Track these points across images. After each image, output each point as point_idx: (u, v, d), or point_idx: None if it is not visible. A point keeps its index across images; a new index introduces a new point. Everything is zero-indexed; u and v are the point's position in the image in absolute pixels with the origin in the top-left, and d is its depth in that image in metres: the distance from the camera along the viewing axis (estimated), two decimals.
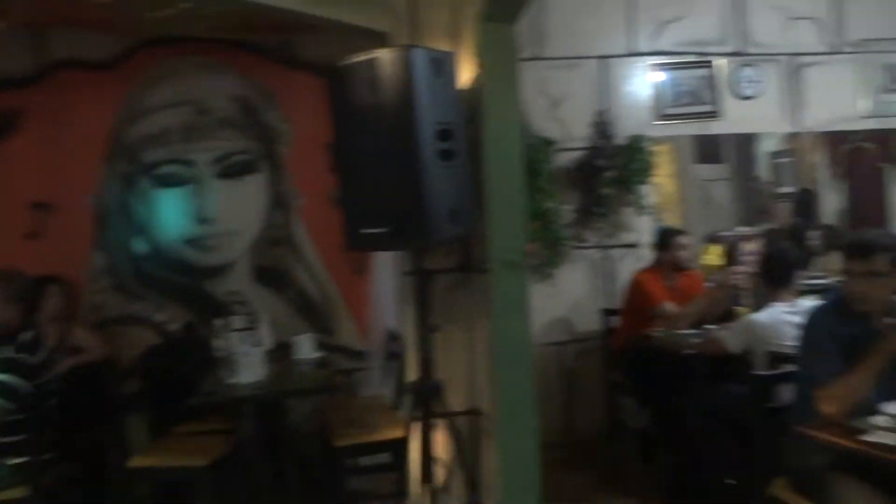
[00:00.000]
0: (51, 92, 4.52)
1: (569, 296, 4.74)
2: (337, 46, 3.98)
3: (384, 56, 2.54)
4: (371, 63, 2.55)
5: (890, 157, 5.62)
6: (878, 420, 2.22)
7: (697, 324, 3.96)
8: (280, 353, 4.12)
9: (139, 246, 4.63)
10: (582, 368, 4.76)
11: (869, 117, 5.12)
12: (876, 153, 5.70)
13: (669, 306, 4.10)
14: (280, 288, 4.69)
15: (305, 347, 4.15)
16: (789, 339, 2.99)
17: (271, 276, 4.69)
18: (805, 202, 6.40)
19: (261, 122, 4.65)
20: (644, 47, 4.75)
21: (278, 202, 4.67)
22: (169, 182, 4.60)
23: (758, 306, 3.64)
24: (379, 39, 3.15)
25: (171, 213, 4.60)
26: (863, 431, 2.17)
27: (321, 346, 4.29)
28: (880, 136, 5.44)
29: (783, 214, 6.97)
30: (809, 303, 3.23)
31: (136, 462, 3.71)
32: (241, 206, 4.64)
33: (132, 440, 4.28)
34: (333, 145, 2.79)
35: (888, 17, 5.08)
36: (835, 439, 2.23)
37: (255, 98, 4.66)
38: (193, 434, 3.98)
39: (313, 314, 4.70)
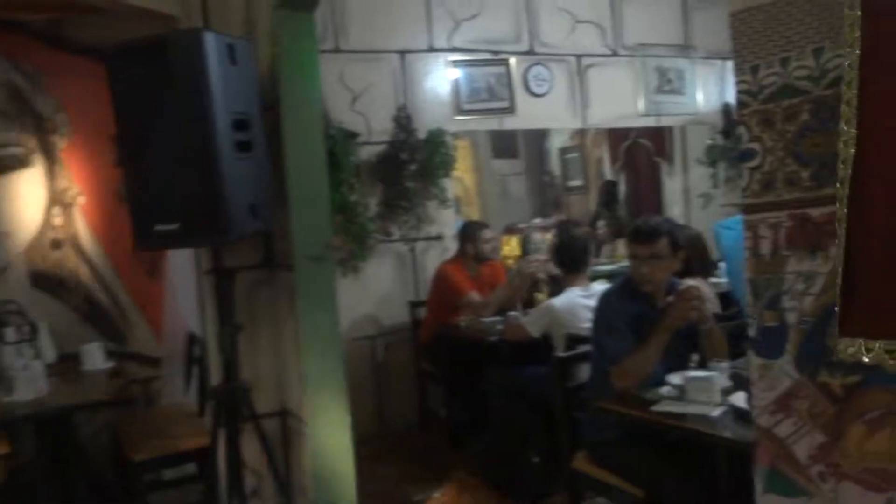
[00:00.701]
0: None
1: (376, 289, 4.74)
2: (116, 29, 3.70)
3: (173, 38, 2.38)
4: (158, 45, 2.37)
5: (663, 152, 6.18)
6: (664, 390, 2.41)
7: (500, 311, 4.12)
8: (65, 365, 3.77)
9: None
10: (392, 361, 4.79)
11: (645, 115, 5.59)
12: (651, 149, 6.25)
13: (474, 296, 4.23)
14: (62, 294, 4.26)
15: (94, 357, 3.83)
16: (585, 322, 3.19)
17: (52, 281, 4.25)
18: (610, 193, 6.90)
19: (32, 111, 4.20)
20: (442, 43, 4.85)
21: (56, 200, 4.24)
22: None
23: (554, 292, 3.85)
24: (165, 23, 2.94)
25: None
26: (652, 402, 2.35)
27: (112, 354, 3.97)
28: (655, 132, 5.96)
29: (575, 206, 7.45)
30: (601, 287, 3.47)
31: None
32: (12, 206, 4.16)
33: None
34: (117, 135, 2.56)
35: (659, 24, 5.57)
36: (627, 411, 2.39)
37: (26, 84, 4.19)
38: None
39: (102, 321, 4.33)
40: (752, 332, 1.14)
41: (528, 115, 5.16)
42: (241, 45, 2.55)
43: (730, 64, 1.17)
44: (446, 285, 4.32)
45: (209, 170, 2.37)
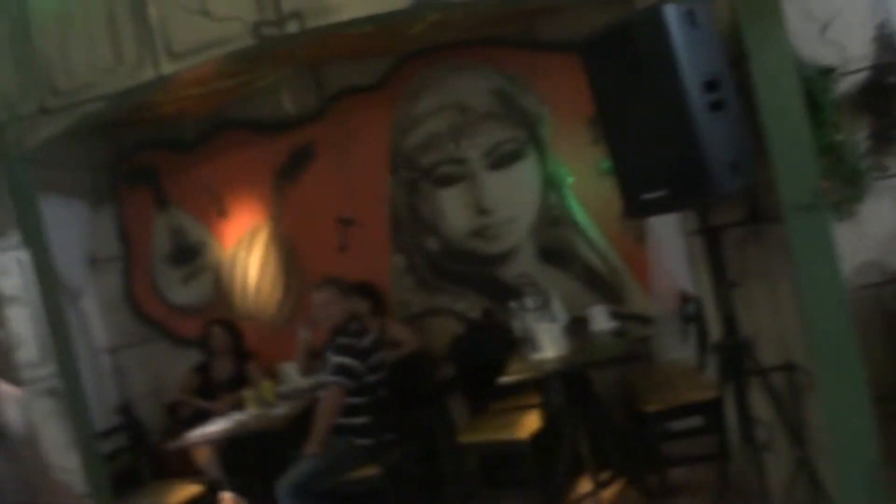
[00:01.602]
0: (335, 120, 5.11)
1: (878, 232, 4.23)
2: (578, 22, 4.02)
3: (636, 19, 2.52)
4: (622, 29, 2.54)
5: None
6: None
7: None
8: (576, 327, 4.24)
9: (431, 244, 5.03)
10: None
11: None
12: None
13: None
14: (565, 265, 4.81)
15: (600, 319, 4.23)
16: None
17: (555, 255, 4.83)
18: None
19: (520, 110, 4.81)
20: None
21: (550, 183, 4.80)
22: (447, 181, 4.94)
23: None
24: (619, 6, 3.09)
25: (453, 210, 4.94)
26: None
27: (614, 315, 4.33)
28: None
29: None
30: None
31: (463, 438, 4.07)
32: (515, 193, 4.84)
33: (455, 419, 4.70)
34: (597, 118, 2.81)
35: None
36: None
37: (511, 88, 4.82)
38: (508, 410, 4.26)
39: (601, 286, 4.76)
40: None
41: None
42: (700, 7, 2.57)
43: None
44: None
45: (687, 135, 2.46)
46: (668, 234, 4.44)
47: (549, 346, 3.67)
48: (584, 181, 4.68)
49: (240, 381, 4.87)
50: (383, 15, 3.36)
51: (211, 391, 4.90)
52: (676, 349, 4.45)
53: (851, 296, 4.14)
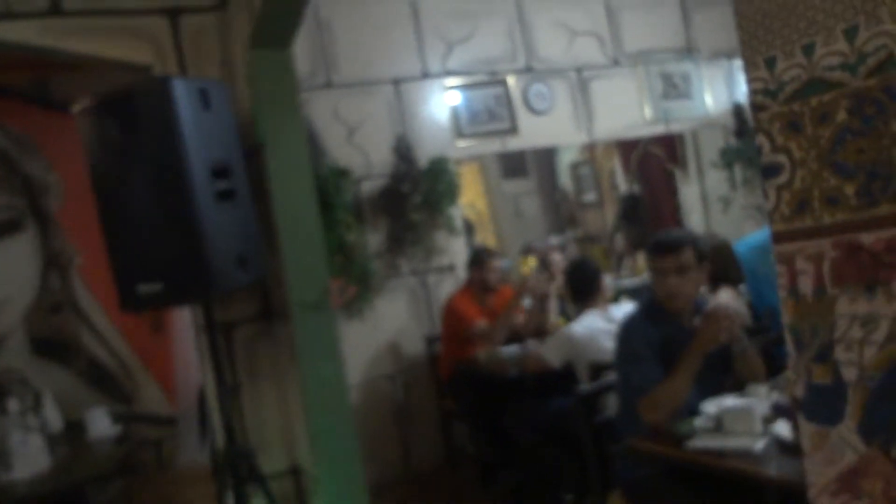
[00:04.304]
0: None
1: (390, 326, 4.55)
2: (102, 84, 3.59)
3: (139, 88, 2.24)
4: (125, 97, 2.24)
5: (676, 158, 5.97)
6: (699, 421, 2.20)
7: (515, 340, 3.92)
8: (71, 433, 3.61)
9: None
10: (413, 399, 4.59)
11: (653, 123, 5.39)
12: (663, 156, 6.05)
13: (481, 324, 4.03)
14: (66, 359, 4.13)
15: (99, 423, 3.67)
16: (607, 348, 2.98)
17: (54, 346, 4.12)
18: (631, 206, 6.70)
19: (22, 174, 4.10)
20: (437, 68, 4.70)
21: (52, 262, 4.12)
22: None
23: (571, 317, 3.65)
24: (143, 73, 2.82)
25: None
26: (687, 437, 2.14)
27: (121, 417, 3.81)
28: (665, 140, 5.77)
29: (591, 221, 7.25)
30: (623, 308, 3.26)
31: None
32: (8, 272, 4.05)
33: None
34: (94, 193, 2.43)
35: (659, 28, 5.39)
36: (660, 450, 2.18)
37: (12, 147, 4.10)
38: None
39: (109, 383, 4.19)
40: (798, 391, 0.91)
41: (531, 133, 4.98)
42: (215, 88, 2.41)
43: (737, 63, 0.95)
44: (454, 317, 4.13)
45: (188, 223, 2.22)
46: (186, 324, 4.13)
47: (26, 462, 3.01)
48: (95, 262, 4.10)
49: None
50: None
51: None
52: (196, 451, 4.10)
53: (364, 388, 4.35)
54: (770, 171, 0.86)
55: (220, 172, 2.34)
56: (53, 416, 3.67)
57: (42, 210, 4.12)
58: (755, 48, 0.84)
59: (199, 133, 2.26)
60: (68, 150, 4.06)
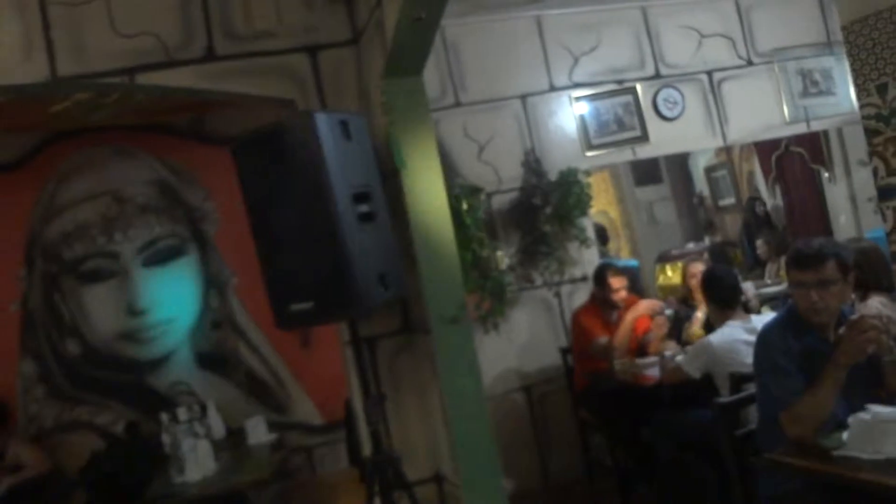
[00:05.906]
0: None
1: (525, 339, 4.61)
2: (252, 119, 3.90)
3: (287, 123, 2.44)
4: (274, 132, 2.45)
5: (820, 158, 5.70)
6: (846, 436, 2.12)
7: (643, 353, 3.90)
8: (233, 440, 3.92)
9: (71, 347, 4.39)
10: (550, 411, 4.62)
11: (792, 123, 5.17)
12: (806, 156, 5.78)
13: (601, 340, 4.01)
14: (226, 372, 4.48)
15: (257, 431, 3.96)
16: (748, 359, 2.91)
17: (216, 360, 4.49)
18: (754, 210, 6.46)
19: (183, 203, 4.50)
20: (563, 81, 4.74)
21: (212, 283, 4.49)
22: (94, 277, 4.40)
23: (710, 328, 3.57)
24: (287, 107, 3.05)
25: (100, 309, 4.39)
26: (833, 450, 2.07)
27: (276, 425, 4.09)
28: (808, 138, 5.51)
29: (729, 225, 7.01)
30: (763, 318, 3.16)
31: None
32: (174, 293, 4.45)
33: None
34: (250, 222, 2.66)
35: (794, 24, 5.18)
36: (803, 464, 2.12)
37: (174, 179, 4.51)
38: None
39: (265, 394, 4.50)
40: None
41: (662, 140, 4.91)
42: (354, 119, 2.58)
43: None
44: (580, 332, 4.14)
45: (335, 246, 2.39)
46: (333, 339, 4.37)
47: (195, 466, 3.31)
48: (250, 282, 4.44)
49: None
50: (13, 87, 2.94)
51: None
52: (345, 459, 4.32)
53: (500, 400, 4.42)
54: (886, 194, 0.87)
55: (361, 197, 2.50)
56: (217, 424, 3.99)
57: (201, 236, 4.50)
58: (866, 75, 0.86)
59: (341, 161, 2.44)
60: (223, 180, 4.43)
